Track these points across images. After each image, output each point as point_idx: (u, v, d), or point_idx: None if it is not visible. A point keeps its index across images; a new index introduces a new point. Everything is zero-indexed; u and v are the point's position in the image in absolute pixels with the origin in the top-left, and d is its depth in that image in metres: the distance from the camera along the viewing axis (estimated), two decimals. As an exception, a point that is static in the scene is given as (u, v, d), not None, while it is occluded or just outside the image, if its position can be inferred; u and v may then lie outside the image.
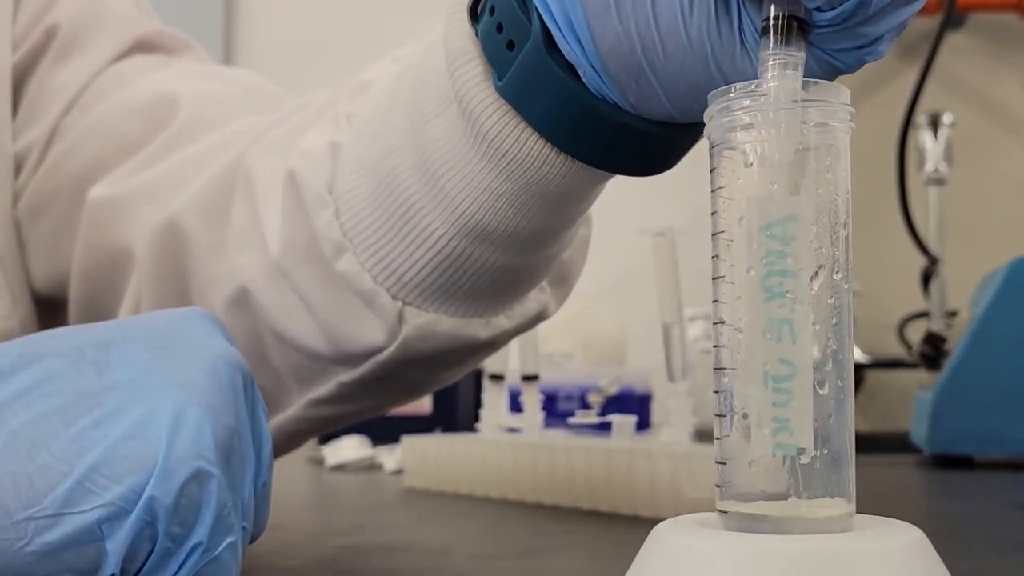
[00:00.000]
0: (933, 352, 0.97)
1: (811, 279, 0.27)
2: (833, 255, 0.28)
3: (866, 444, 1.05)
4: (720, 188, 0.29)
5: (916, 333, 1.07)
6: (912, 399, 0.96)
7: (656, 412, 1.08)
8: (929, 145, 1.12)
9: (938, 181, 1.13)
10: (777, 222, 0.27)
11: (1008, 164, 1.46)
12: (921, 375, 1.00)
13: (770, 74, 0.28)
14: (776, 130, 0.28)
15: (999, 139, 1.45)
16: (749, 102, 0.28)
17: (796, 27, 0.30)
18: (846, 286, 0.28)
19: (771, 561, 0.26)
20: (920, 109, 1.01)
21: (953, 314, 1.05)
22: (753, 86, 0.28)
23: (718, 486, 0.29)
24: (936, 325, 1.05)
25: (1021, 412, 0.84)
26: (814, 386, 0.27)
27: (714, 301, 0.29)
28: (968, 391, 0.85)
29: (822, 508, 0.27)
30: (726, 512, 0.28)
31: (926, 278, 1.06)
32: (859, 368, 1.34)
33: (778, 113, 0.28)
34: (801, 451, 0.27)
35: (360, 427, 1.10)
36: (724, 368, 0.28)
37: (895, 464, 0.90)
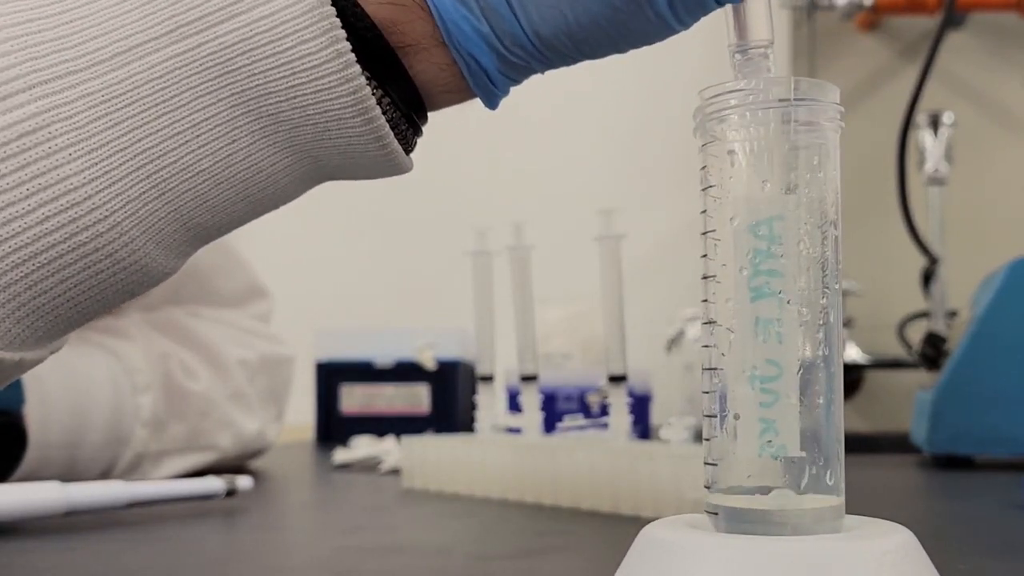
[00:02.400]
0: (933, 352, 0.97)
1: (799, 279, 0.27)
2: (823, 255, 0.28)
3: (866, 444, 1.05)
4: (710, 187, 0.29)
5: (916, 333, 1.07)
6: (912, 399, 0.95)
7: (656, 413, 1.08)
8: (929, 145, 1.12)
9: (938, 181, 1.12)
10: (764, 221, 0.27)
11: (1009, 164, 1.45)
12: (921, 375, 0.99)
13: (755, 72, 0.28)
14: (765, 128, 0.28)
15: (1000, 139, 1.45)
16: (738, 100, 0.28)
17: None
18: (836, 286, 0.28)
19: (759, 561, 0.26)
20: (920, 108, 1.01)
21: (954, 314, 1.05)
22: (742, 84, 0.28)
23: (707, 487, 0.28)
24: (937, 325, 1.05)
25: (1021, 412, 0.84)
26: (803, 386, 0.27)
27: (703, 301, 0.29)
28: (968, 391, 0.85)
29: (810, 502, 0.27)
30: (716, 513, 0.28)
31: (926, 278, 1.06)
32: (859, 368, 1.34)
33: (767, 111, 0.28)
34: (787, 452, 0.27)
35: (359, 428, 1.11)
36: (714, 368, 0.28)
37: (895, 464, 0.90)
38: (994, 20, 1.43)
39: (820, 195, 0.28)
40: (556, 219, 1.28)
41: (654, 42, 0.34)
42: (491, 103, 0.36)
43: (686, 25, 0.33)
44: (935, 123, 1.12)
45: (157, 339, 0.80)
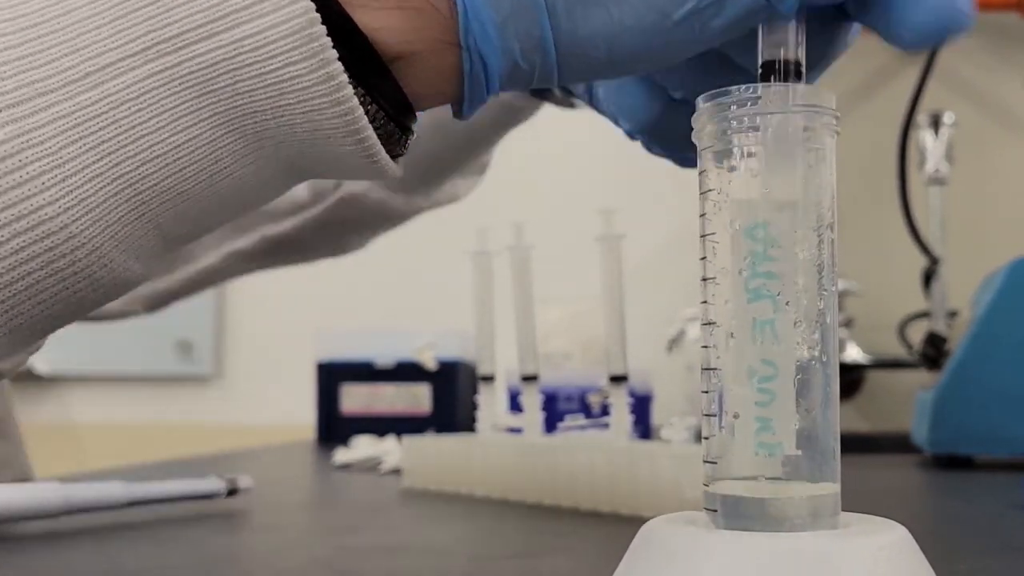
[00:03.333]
0: (934, 352, 0.97)
1: (796, 281, 0.28)
2: (819, 257, 0.28)
3: (866, 445, 1.05)
4: (709, 191, 0.29)
5: (917, 333, 1.07)
6: (913, 399, 0.96)
7: (657, 413, 1.08)
8: (930, 144, 1.12)
9: (939, 181, 1.13)
10: (761, 224, 0.27)
11: (1010, 164, 1.46)
12: (922, 375, 1.00)
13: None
14: (764, 134, 0.28)
15: (1000, 139, 1.45)
16: (737, 106, 0.28)
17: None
18: (832, 288, 0.28)
19: (756, 556, 0.26)
20: (921, 108, 1.01)
21: (954, 314, 1.05)
22: (742, 90, 0.29)
23: (705, 485, 0.29)
24: (937, 325, 1.05)
25: (1021, 413, 0.84)
26: (800, 386, 0.28)
27: (703, 302, 0.29)
28: (969, 391, 0.85)
29: (807, 490, 0.28)
30: (715, 510, 0.29)
31: (927, 278, 1.06)
32: (859, 368, 1.34)
33: (766, 117, 0.28)
34: (784, 450, 0.27)
35: (360, 428, 1.11)
36: (713, 369, 0.29)
37: (896, 464, 0.90)
38: (994, 20, 1.43)
39: (817, 199, 0.28)
40: (556, 219, 1.29)
41: (681, 60, 0.32)
42: (469, 112, 0.34)
43: (725, 39, 0.32)
44: (936, 123, 1.12)
45: None
